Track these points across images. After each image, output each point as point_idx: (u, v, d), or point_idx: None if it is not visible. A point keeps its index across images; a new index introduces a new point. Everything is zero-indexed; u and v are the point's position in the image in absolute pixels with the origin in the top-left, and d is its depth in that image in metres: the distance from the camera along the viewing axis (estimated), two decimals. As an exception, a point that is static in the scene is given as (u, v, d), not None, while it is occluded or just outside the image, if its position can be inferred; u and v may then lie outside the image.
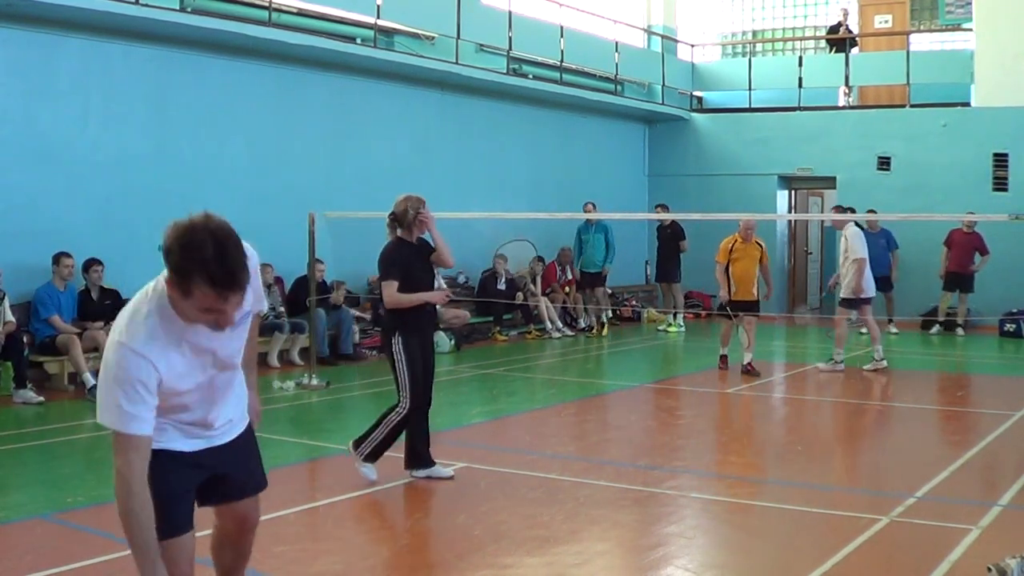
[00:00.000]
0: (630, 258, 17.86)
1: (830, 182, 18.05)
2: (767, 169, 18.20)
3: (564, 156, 17.17)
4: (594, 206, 15.19)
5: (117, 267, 10.35)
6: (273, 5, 11.87)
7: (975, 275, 15.20)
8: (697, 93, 19.99)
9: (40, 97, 10.20)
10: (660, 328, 15.81)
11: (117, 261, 10.38)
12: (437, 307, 7.65)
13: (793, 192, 19.20)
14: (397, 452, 6.44)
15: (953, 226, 15.19)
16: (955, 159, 16.50)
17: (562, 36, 16.23)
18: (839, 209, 13.95)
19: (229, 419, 3.33)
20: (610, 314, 16.42)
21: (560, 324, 15.04)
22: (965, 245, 15.13)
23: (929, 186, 16.49)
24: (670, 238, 16.08)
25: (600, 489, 6.35)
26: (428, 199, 6.38)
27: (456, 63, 14.09)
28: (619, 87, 18.16)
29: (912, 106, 17.43)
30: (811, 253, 20.32)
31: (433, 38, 14.37)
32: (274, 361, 11.43)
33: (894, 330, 15.36)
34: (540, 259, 15.52)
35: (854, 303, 11.36)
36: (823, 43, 20.04)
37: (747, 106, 19.00)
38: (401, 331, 6.23)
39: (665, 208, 16.34)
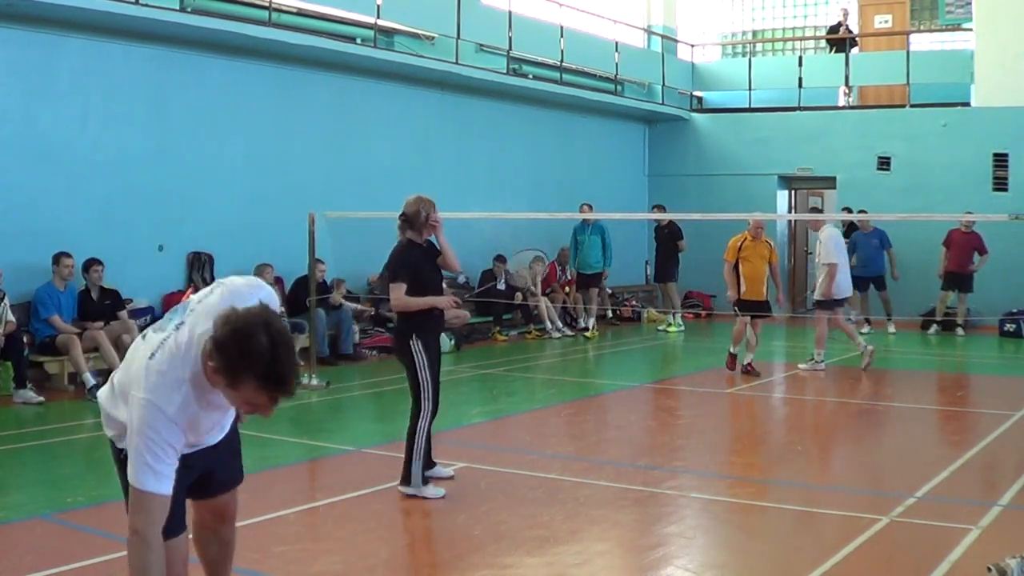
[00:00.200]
0: (630, 258, 17.86)
1: (830, 182, 18.05)
2: (767, 169, 18.20)
3: (564, 156, 17.17)
4: (590, 207, 15.05)
5: (117, 267, 10.37)
6: (273, 5, 11.86)
7: (974, 275, 15.20)
8: (697, 93, 19.99)
9: (40, 97, 10.19)
10: (660, 328, 15.80)
11: (117, 261, 10.39)
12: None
13: (793, 192, 19.20)
14: (397, 452, 6.43)
15: (952, 226, 15.20)
16: (955, 159, 16.50)
17: (562, 36, 16.23)
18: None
19: (220, 423, 3.40)
20: (609, 314, 16.43)
21: (560, 324, 15.03)
22: (964, 245, 15.12)
23: (929, 186, 16.48)
24: (668, 238, 16.06)
25: (600, 489, 6.34)
26: (428, 199, 6.38)
27: (456, 63, 14.09)
28: (619, 87, 18.16)
29: (912, 106, 17.43)
30: (811, 253, 20.25)
31: (433, 38, 14.37)
32: (274, 361, 11.40)
33: (892, 329, 15.36)
34: (541, 259, 15.52)
35: (828, 305, 11.42)
36: (823, 43, 20.03)
37: (747, 106, 19.00)
38: (419, 333, 6.11)
39: (662, 208, 16.32)
